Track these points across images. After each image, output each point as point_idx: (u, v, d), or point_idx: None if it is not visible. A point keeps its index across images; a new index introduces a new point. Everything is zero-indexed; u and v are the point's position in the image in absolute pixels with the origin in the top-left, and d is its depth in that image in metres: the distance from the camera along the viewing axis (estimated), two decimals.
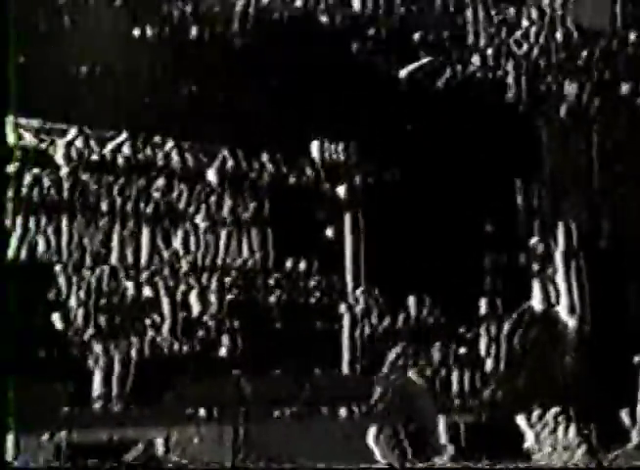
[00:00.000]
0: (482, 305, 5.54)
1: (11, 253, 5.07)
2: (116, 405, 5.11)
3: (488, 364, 5.46)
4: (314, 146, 5.60)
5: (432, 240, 5.53)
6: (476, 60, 5.82)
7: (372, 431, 5.06)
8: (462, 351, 5.46)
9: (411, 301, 5.54)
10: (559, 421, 5.04)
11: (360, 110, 5.47)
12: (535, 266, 5.63)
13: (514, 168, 5.79)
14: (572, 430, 5.07)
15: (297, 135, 5.51)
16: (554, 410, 5.07)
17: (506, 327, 5.39)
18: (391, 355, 5.29)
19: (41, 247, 5.16)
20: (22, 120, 5.16)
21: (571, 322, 5.41)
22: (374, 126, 5.52)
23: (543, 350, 5.39)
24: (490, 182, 5.65)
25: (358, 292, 5.57)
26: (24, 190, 5.16)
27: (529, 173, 5.82)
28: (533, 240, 5.76)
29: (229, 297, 5.45)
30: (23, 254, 5.10)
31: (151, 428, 5.03)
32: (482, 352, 5.48)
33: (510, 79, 5.90)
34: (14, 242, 5.07)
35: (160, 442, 4.98)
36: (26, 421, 4.77)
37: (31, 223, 5.13)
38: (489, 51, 5.88)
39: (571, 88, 5.58)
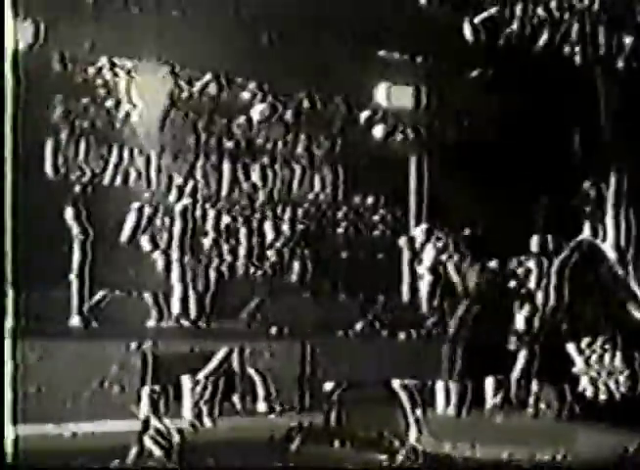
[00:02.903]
0: (534, 243, 5.99)
1: (106, 181, 5.62)
2: (197, 321, 5.65)
3: (539, 298, 5.91)
4: (381, 91, 6.04)
5: (489, 183, 5.96)
6: (540, 12, 6.15)
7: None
8: (512, 284, 5.90)
9: (466, 236, 6.01)
10: (606, 348, 5.46)
11: (427, 58, 5.88)
12: (587, 208, 6.04)
13: (572, 117, 6.15)
14: (618, 357, 5.49)
15: (366, 81, 5.95)
16: (602, 338, 5.49)
17: (556, 263, 5.83)
18: None
19: (132, 176, 5.69)
20: (117, 60, 5.66)
21: (615, 257, 5.83)
22: (439, 75, 5.93)
23: (591, 283, 5.82)
24: (549, 130, 6.03)
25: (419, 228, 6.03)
26: (118, 124, 5.67)
27: (586, 122, 6.17)
28: (586, 184, 6.15)
29: (300, 227, 5.96)
30: (118, 181, 5.63)
31: (227, 342, 5.56)
32: (533, 286, 5.92)
33: (572, 33, 6.21)
34: (109, 170, 5.62)
35: (235, 355, 5.50)
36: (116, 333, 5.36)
37: (125, 154, 5.65)
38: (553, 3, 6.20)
39: (628, 40, 5.92)
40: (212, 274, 5.69)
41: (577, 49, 6.14)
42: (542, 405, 5.12)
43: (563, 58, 6.04)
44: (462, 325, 5.51)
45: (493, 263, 5.77)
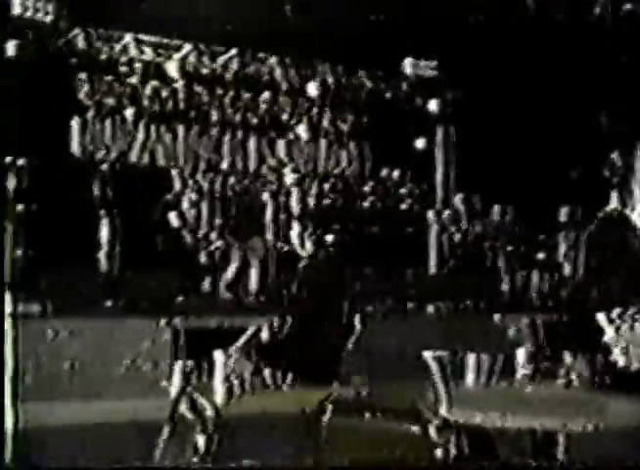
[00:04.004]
0: (563, 214, 5.96)
1: (133, 158, 5.63)
2: (225, 296, 5.67)
3: (567, 269, 5.90)
4: (407, 63, 6.02)
5: (517, 153, 5.93)
6: None
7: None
8: (541, 256, 5.88)
9: (495, 209, 5.99)
10: (637, 318, 5.42)
11: (449, 30, 5.83)
12: (615, 178, 6.00)
13: (599, 87, 6.10)
14: None
15: (392, 53, 5.91)
16: (632, 308, 5.45)
17: (585, 233, 5.81)
18: None
19: (160, 153, 5.69)
20: (143, 36, 5.66)
21: None
22: (464, 45, 5.88)
23: (620, 252, 5.78)
24: (576, 101, 5.98)
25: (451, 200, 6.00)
26: (144, 102, 5.67)
27: (614, 92, 6.12)
28: (614, 154, 6.11)
29: (326, 201, 5.95)
30: (145, 158, 5.64)
31: (256, 317, 5.57)
32: (561, 258, 5.90)
33: (597, 3, 6.15)
34: (136, 148, 5.62)
35: (265, 328, 5.50)
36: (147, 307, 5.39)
37: (152, 131, 5.66)
38: None
39: None
40: (241, 250, 5.70)
41: (603, 19, 6.08)
42: (573, 376, 5.11)
43: (590, 28, 5.99)
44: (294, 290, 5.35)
45: (330, 237, 5.67)
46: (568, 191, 5.96)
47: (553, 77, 5.86)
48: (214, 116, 5.78)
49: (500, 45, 5.84)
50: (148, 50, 5.66)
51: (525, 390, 4.97)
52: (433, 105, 6.04)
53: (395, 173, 6.05)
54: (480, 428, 4.34)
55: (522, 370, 5.15)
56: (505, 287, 5.96)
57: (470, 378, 5.11)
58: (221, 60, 5.80)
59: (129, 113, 5.58)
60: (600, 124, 6.11)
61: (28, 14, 5.27)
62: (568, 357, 5.09)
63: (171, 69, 5.71)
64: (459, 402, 4.59)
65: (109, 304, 5.32)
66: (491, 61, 5.81)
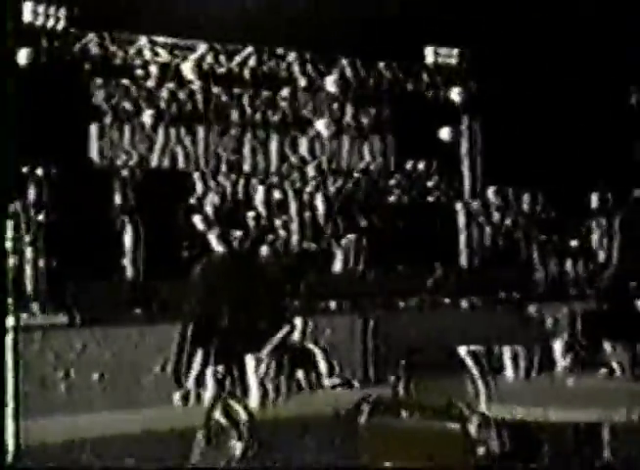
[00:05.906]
0: (594, 200, 5.81)
1: (154, 163, 5.54)
2: None
3: (601, 256, 5.75)
4: (429, 52, 5.89)
5: (544, 140, 5.79)
6: None
7: None
8: (574, 243, 5.73)
9: (525, 197, 5.85)
10: None
11: (472, 17, 5.70)
12: None
13: (627, 72, 5.94)
14: None
15: (412, 42, 5.79)
16: None
17: (618, 219, 5.66)
18: None
19: (180, 156, 5.59)
20: (158, 38, 5.56)
21: None
22: (487, 34, 5.75)
23: None
24: (605, 85, 5.83)
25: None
26: (162, 104, 5.57)
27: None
28: None
29: (353, 198, 5.83)
30: (166, 162, 5.54)
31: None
32: (595, 245, 5.75)
33: None
34: (156, 151, 5.53)
35: (297, 330, 5.38)
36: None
37: (172, 134, 5.56)
38: None
39: None
40: (265, 251, 5.59)
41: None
42: (615, 365, 4.97)
43: (614, 13, 5.83)
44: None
45: (238, 233, 5.49)
46: (598, 176, 5.80)
47: (579, 62, 5.71)
48: (234, 115, 5.68)
49: (523, 31, 5.70)
50: (163, 52, 5.56)
51: (567, 382, 4.84)
52: (456, 94, 5.91)
53: (421, 166, 5.92)
54: (522, 423, 4.20)
55: (561, 362, 5.02)
56: (539, 277, 5.81)
57: (509, 372, 4.99)
58: (238, 58, 5.70)
59: (147, 116, 5.50)
60: (630, 108, 5.95)
61: (40, 21, 5.18)
62: (608, 347, 4.95)
63: (187, 70, 5.61)
64: (499, 397, 4.46)
65: (135, 311, 5.22)
66: (515, 47, 5.68)
